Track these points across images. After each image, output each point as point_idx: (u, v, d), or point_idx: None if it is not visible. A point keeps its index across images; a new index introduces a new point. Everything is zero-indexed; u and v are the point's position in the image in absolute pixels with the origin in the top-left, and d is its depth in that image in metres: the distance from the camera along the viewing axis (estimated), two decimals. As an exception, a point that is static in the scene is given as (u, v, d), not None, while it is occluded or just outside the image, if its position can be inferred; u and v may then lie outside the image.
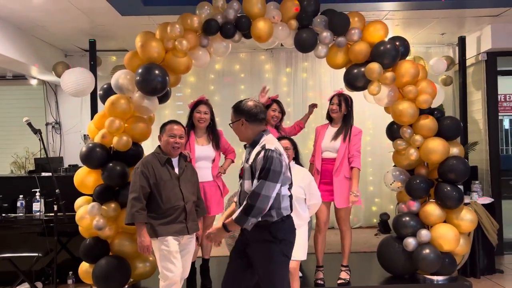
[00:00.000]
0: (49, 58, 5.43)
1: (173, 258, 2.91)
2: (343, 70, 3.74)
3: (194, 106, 3.54)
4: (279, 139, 3.28)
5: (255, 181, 2.33)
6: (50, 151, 5.99)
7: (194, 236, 3.15)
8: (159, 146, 3.11)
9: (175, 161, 3.09)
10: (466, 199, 4.13)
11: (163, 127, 3.10)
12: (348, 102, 3.67)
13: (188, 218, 3.01)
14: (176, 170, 3.05)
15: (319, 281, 3.59)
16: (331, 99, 3.72)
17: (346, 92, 3.80)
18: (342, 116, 3.66)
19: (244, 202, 2.30)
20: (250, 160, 2.38)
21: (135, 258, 3.54)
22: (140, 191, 2.91)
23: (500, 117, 5.69)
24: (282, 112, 3.87)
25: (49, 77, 5.64)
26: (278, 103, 3.84)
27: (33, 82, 5.89)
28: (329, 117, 3.76)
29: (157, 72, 3.31)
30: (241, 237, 2.50)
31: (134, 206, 2.89)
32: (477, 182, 4.54)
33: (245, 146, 2.51)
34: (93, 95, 4.80)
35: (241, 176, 2.46)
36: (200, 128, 3.54)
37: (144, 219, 2.90)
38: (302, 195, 3.19)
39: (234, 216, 2.35)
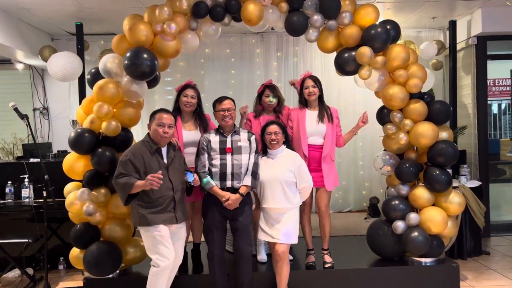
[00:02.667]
0: (35, 42, 5.32)
1: (166, 242, 2.94)
2: (334, 54, 3.72)
3: (181, 90, 3.51)
4: (268, 124, 3.29)
5: (252, 155, 3.22)
6: (38, 136, 5.93)
7: (184, 224, 3.17)
8: (148, 134, 3.10)
9: (164, 150, 3.08)
10: (455, 183, 4.19)
11: (152, 115, 3.08)
12: (320, 81, 3.64)
13: (176, 208, 3.03)
14: (165, 160, 3.05)
15: (310, 264, 3.62)
16: (302, 83, 3.64)
17: (315, 74, 3.75)
18: (317, 97, 3.63)
19: (252, 171, 3.17)
20: (244, 141, 3.22)
21: (126, 243, 3.54)
22: (124, 172, 2.94)
23: (489, 102, 5.74)
24: (278, 97, 3.74)
25: (35, 61, 5.54)
26: (270, 88, 3.73)
27: (19, 66, 5.77)
28: (304, 101, 3.66)
29: (145, 56, 3.26)
30: (220, 210, 3.16)
31: (122, 179, 2.91)
32: (465, 166, 4.60)
33: (221, 133, 3.24)
34: (81, 79, 4.74)
35: (227, 152, 3.16)
36: (186, 113, 3.50)
37: (135, 180, 2.89)
38: (292, 179, 3.21)
39: (247, 184, 3.14)
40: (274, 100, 3.68)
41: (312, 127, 3.57)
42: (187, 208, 3.43)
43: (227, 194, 3.11)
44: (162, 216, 2.96)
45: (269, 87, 3.73)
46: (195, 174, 3.09)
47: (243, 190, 3.14)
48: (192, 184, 3.06)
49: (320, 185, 3.57)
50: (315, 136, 3.57)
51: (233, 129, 3.28)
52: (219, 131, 3.27)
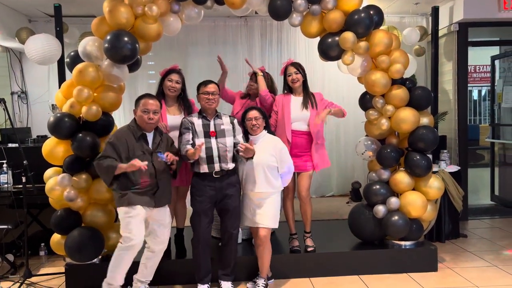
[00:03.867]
0: (11, 23, 5.16)
1: (139, 222, 2.96)
2: (318, 39, 3.71)
3: (166, 74, 3.47)
4: (248, 110, 3.30)
5: (238, 136, 3.25)
6: (17, 121, 5.78)
7: (168, 210, 3.17)
8: (134, 119, 3.08)
9: (150, 135, 3.07)
10: (435, 168, 4.26)
11: (137, 101, 3.07)
12: (302, 67, 3.67)
13: (157, 193, 3.02)
14: (150, 146, 3.04)
15: (295, 248, 3.66)
16: (285, 70, 3.66)
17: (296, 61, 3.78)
18: (301, 83, 3.64)
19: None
20: (227, 124, 3.24)
21: (108, 229, 3.52)
22: (106, 155, 2.96)
23: (469, 88, 5.82)
24: (266, 84, 3.74)
25: (12, 43, 5.37)
26: (257, 75, 3.75)
27: (-4, 49, 5.61)
28: (289, 88, 3.69)
29: (126, 39, 3.19)
30: (213, 192, 3.15)
31: (104, 161, 2.94)
32: (445, 151, 4.67)
33: (204, 116, 3.22)
34: (60, 63, 4.62)
35: (211, 136, 3.16)
36: (170, 97, 3.48)
37: (117, 162, 2.93)
38: (274, 163, 3.23)
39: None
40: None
41: (296, 113, 3.59)
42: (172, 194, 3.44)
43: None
44: (141, 198, 2.98)
45: (256, 74, 3.77)
46: (166, 152, 3.01)
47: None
48: (167, 162, 2.99)
49: (301, 169, 3.61)
50: (299, 122, 3.59)
51: (216, 113, 3.29)
52: (202, 114, 3.26)
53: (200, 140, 3.15)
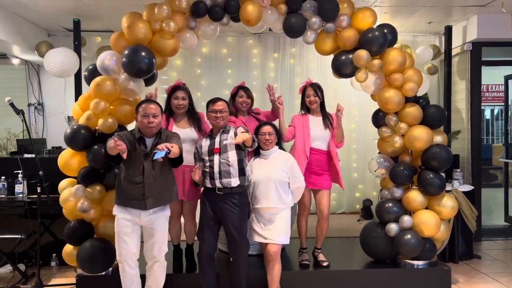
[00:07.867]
0: (32, 37, 5.29)
1: (119, 238, 3.00)
2: (331, 56, 3.75)
3: (171, 92, 3.51)
4: (262, 125, 3.32)
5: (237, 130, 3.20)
6: (32, 132, 5.89)
7: (163, 223, 3.08)
8: (138, 127, 3.09)
9: (149, 140, 3.05)
10: (448, 187, 4.22)
11: (138, 107, 3.07)
12: (321, 89, 3.71)
13: (147, 194, 2.95)
14: (148, 148, 3.03)
15: (304, 262, 3.66)
16: (304, 91, 3.72)
17: (316, 80, 3.83)
18: (319, 105, 3.69)
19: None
20: (231, 138, 3.16)
21: (120, 241, 3.53)
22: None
23: (482, 107, 5.78)
24: (251, 98, 3.81)
25: (31, 56, 5.51)
26: (244, 89, 3.80)
27: (15, 61, 5.73)
28: (306, 108, 3.74)
29: (143, 53, 3.26)
30: (212, 210, 3.17)
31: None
32: (458, 170, 4.63)
33: (210, 135, 3.26)
34: (77, 76, 4.72)
35: (214, 153, 3.15)
36: (179, 114, 3.52)
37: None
38: (285, 179, 3.24)
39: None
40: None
41: (317, 132, 3.65)
42: (175, 207, 3.45)
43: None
44: (130, 201, 2.98)
45: (243, 88, 3.80)
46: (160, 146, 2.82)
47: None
48: (166, 152, 2.76)
49: (322, 187, 3.66)
50: (319, 141, 3.65)
51: (223, 129, 3.25)
52: (210, 134, 3.30)
53: (206, 159, 3.18)
